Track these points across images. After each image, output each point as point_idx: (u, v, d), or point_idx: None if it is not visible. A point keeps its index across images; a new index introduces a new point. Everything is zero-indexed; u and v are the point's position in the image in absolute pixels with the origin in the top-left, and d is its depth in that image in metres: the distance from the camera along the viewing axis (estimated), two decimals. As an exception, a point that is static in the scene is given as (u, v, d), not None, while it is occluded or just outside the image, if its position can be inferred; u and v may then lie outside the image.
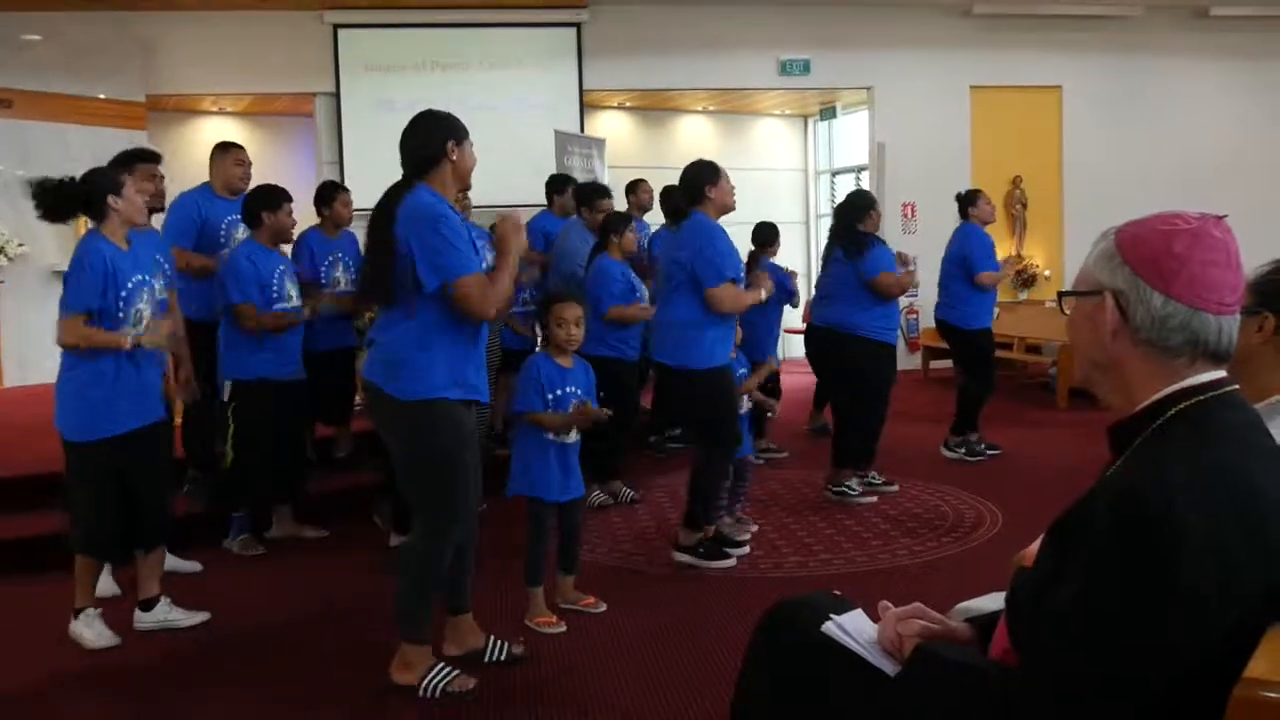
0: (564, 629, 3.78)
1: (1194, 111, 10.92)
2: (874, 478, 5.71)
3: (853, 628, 1.64)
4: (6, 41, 8.67)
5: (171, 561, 4.55)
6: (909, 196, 10.40)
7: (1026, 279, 10.71)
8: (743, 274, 4.55)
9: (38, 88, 8.70)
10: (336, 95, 9.75)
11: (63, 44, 8.87)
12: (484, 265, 3.26)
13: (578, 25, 10.02)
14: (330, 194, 5.47)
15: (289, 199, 4.80)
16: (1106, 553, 1.26)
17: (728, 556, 4.51)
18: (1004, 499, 5.42)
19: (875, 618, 1.70)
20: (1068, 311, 1.51)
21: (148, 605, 3.87)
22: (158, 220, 4.74)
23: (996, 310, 6.87)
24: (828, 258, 5.67)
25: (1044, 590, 1.35)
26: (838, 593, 1.82)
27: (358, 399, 6.02)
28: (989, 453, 6.54)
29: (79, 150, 8.57)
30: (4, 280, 8.44)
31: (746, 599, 3.99)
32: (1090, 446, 6.45)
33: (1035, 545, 1.74)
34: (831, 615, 1.66)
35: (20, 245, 8.46)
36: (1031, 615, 1.38)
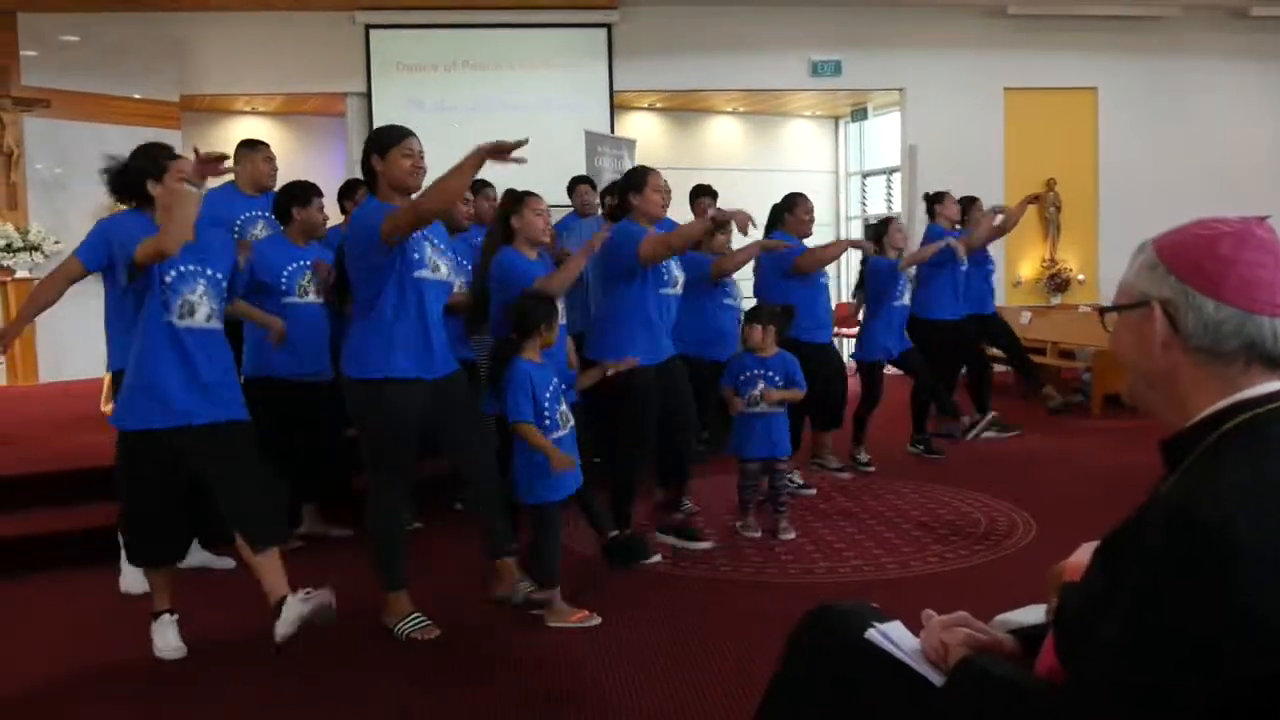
0: (599, 620, 3.85)
1: (1233, 113, 10.78)
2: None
3: (895, 636, 1.61)
4: (45, 42, 8.78)
5: (204, 558, 4.58)
6: (941, 199, 10.32)
7: (1060, 283, 10.60)
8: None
9: (75, 88, 8.82)
10: (368, 95, 9.81)
11: (99, 45, 8.98)
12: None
13: (608, 26, 10.03)
14: (354, 191, 5.45)
15: (319, 194, 4.81)
16: (1161, 572, 1.22)
17: (634, 561, 4.53)
18: (1036, 507, 5.35)
19: (914, 627, 1.67)
20: (1110, 328, 1.47)
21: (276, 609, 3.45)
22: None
23: (1036, 318, 6.79)
24: (757, 267, 5.97)
25: (1095, 609, 1.32)
26: (875, 605, 1.79)
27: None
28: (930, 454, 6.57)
29: (114, 150, 8.61)
30: (40, 277, 8.53)
31: (776, 605, 3.96)
32: (1125, 454, 6.39)
33: (1076, 557, 1.70)
34: (874, 623, 1.63)
35: (56, 242, 8.57)
36: (1081, 634, 1.35)
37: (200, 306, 3.48)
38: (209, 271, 3.54)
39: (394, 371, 3.58)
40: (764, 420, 4.91)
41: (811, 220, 5.82)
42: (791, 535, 4.94)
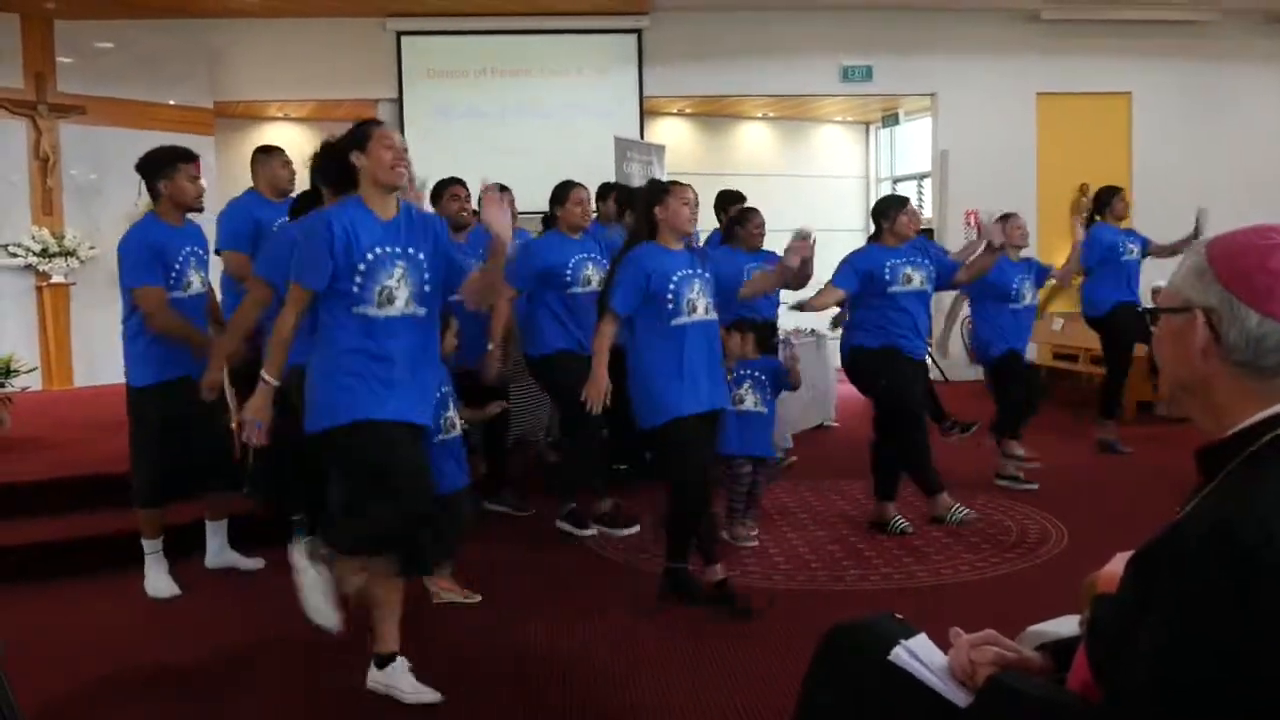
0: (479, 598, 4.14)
1: (1269, 119, 10.63)
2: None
3: (922, 655, 1.57)
4: (81, 49, 8.90)
5: (232, 558, 4.61)
6: (972, 204, 10.22)
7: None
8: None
9: (110, 94, 8.94)
10: (399, 101, 9.86)
11: (135, 52, 9.10)
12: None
13: (639, 31, 10.02)
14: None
15: None
16: (1199, 584, 1.19)
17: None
18: (1068, 514, 5.29)
19: (940, 641, 1.64)
20: (1155, 330, 1.44)
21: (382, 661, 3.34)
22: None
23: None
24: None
25: (1130, 621, 1.29)
26: (899, 616, 1.76)
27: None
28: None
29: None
30: (75, 282, 8.64)
31: (805, 612, 3.93)
32: (1157, 460, 6.30)
33: (1110, 567, 1.66)
34: (901, 640, 1.59)
35: (91, 248, 8.67)
36: (1116, 646, 1.32)
37: (400, 292, 3.16)
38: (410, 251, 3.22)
39: None
40: (744, 419, 4.86)
41: (762, 235, 5.79)
42: (754, 542, 4.95)
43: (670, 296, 3.92)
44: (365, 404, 3.10)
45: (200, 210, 4.34)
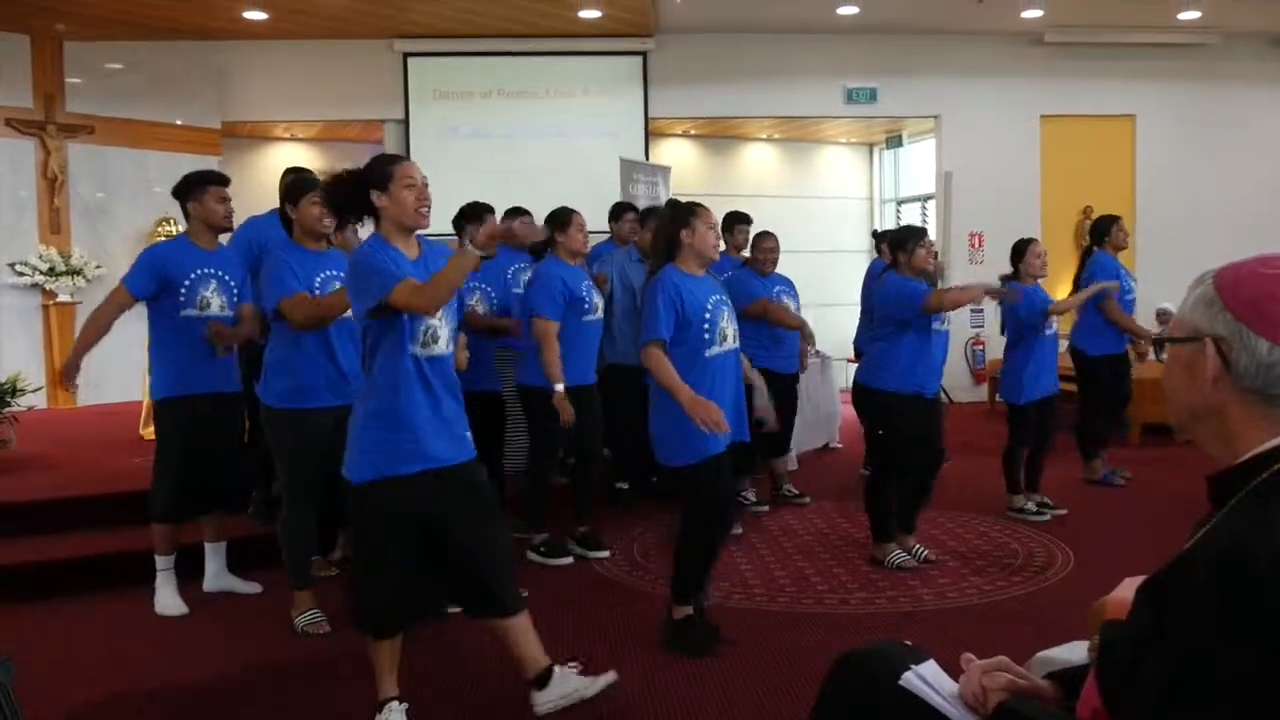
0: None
1: (1274, 141, 10.65)
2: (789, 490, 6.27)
3: (933, 680, 1.57)
4: (90, 69, 8.95)
5: (230, 582, 4.59)
6: (976, 226, 10.28)
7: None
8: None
9: (118, 114, 8.99)
10: (405, 122, 9.90)
11: (143, 72, 9.16)
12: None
13: (644, 54, 10.07)
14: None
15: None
16: (1212, 613, 1.19)
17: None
18: (1074, 538, 5.28)
19: (951, 661, 1.63)
20: (1164, 358, 1.45)
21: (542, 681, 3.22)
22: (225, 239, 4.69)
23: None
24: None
25: (1141, 649, 1.28)
26: (909, 643, 1.75)
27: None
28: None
29: (156, 175, 8.81)
30: (81, 301, 8.66)
31: (812, 635, 3.92)
32: (1163, 484, 6.28)
33: (1119, 593, 1.66)
34: (911, 666, 1.59)
35: (98, 267, 8.69)
36: (1127, 674, 1.31)
37: (442, 331, 3.11)
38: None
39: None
40: None
41: (774, 259, 5.89)
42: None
43: (706, 325, 3.69)
44: (410, 456, 3.04)
45: (229, 230, 4.44)
